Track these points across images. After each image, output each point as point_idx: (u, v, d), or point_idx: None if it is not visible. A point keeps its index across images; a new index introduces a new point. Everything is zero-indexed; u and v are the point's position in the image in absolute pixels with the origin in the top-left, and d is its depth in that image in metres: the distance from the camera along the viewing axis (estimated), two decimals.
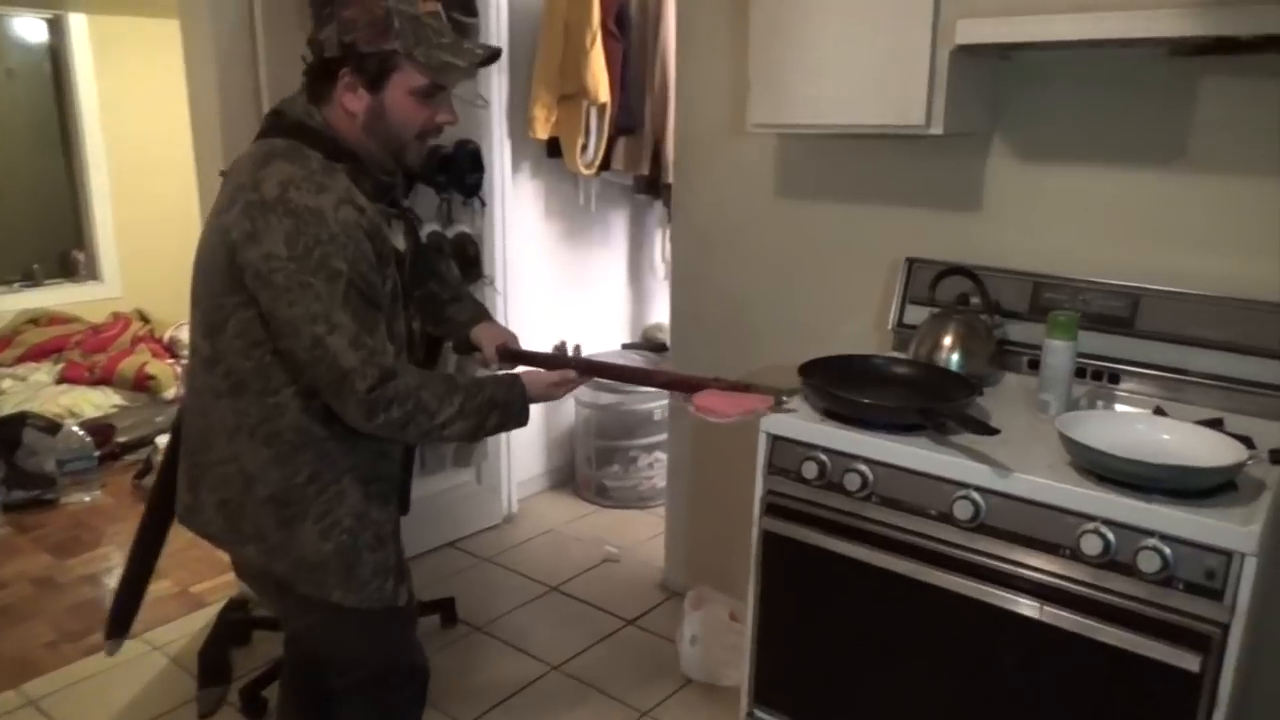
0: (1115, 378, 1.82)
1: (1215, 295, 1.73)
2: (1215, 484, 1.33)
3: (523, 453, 3.50)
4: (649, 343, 3.86)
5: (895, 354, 1.92)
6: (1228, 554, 1.26)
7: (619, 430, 3.50)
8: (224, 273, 1.37)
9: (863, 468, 1.56)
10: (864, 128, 1.91)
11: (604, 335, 3.80)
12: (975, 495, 1.45)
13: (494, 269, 3.07)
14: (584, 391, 3.55)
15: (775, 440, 1.66)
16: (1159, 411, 1.69)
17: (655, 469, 3.51)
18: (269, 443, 1.41)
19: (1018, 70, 1.96)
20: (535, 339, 3.72)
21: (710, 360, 2.60)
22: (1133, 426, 1.48)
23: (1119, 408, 1.74)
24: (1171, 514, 1.29)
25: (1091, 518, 1.36)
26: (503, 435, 3.30)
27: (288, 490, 1.43)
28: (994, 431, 1.42)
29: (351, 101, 1.42)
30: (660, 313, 3.90)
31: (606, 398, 3.49)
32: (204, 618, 2.67)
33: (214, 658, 2.42)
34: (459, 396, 1.43)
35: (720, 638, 2.40)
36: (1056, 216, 1.97)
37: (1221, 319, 1.72)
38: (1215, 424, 1.61)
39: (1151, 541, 1.31)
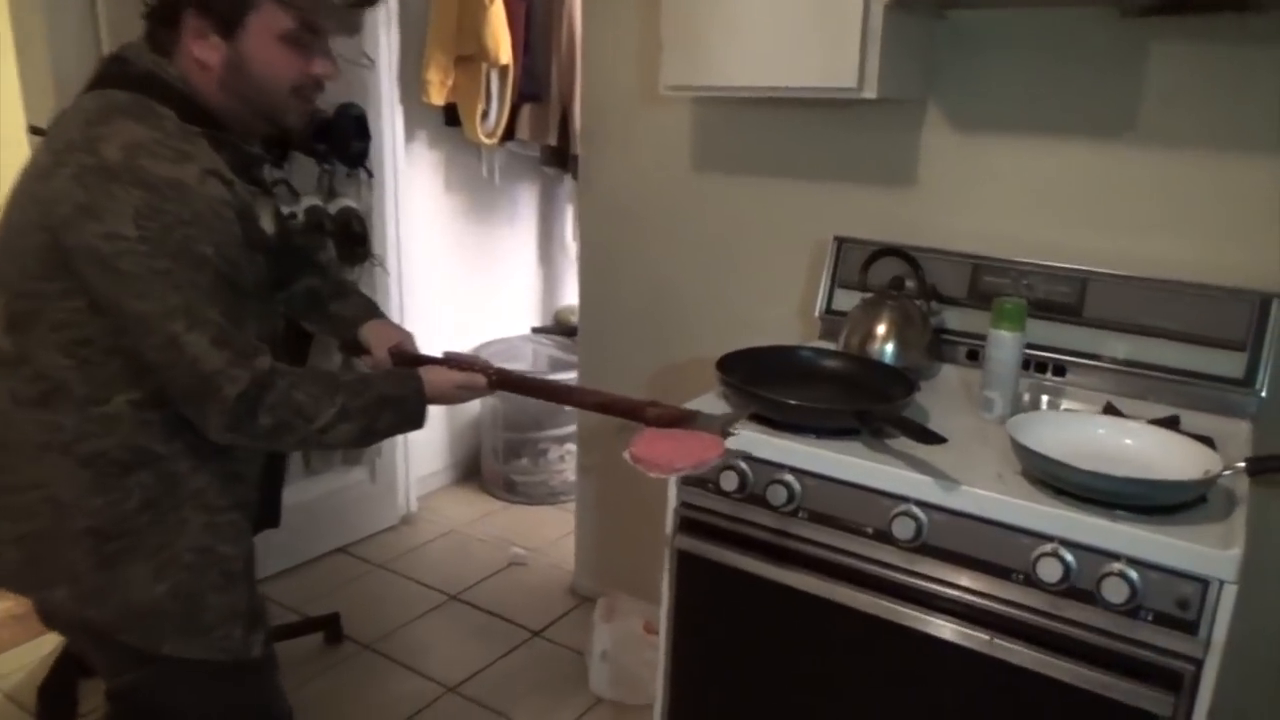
0: (1061, 370, 1.66)
1: (1169, 280, 1.58)
2: (1188, 499, 1.17)
3: (423, 446, 3.23)
4: (561, 326, 3.63)
5: (824, 345, 1.73)
6: (1204, 581, 1.10)
7: (527, 421, 3.26)
8: (41, 253, 1.10)
9: (789, 479, 1.36)
10: (789, 90, 1.70)
11: (512, 319, 3.55)
12: (917, 511, 1.27)
13: (385, 248, 2.79)
14: None
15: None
16: (1110, 409, 1.53)
17: (567, 462, 3.29)
18: (89, 463, 1.15)
19: (954, 32, 1.77)
20: (433, 326, 3.49)
21: (624, 350, 2.38)
22: (1091, 430, 1.31)
23: (1066, 405, 1.58)
24: (1140, 534, 1.12)
25: (1048, 537, 1.18)
26: None
27: (114, 521, 1.16)
28: (940, 440, 1.23)
29: (203, 50, 1.15)
30: (573, 294, 3.65)
31: None
32: (48, 644, 2.35)
33: (57, 693, 2.12)
34: (341, 395, 1.19)
35: (633, 652, 2.20)
36: (997, 193, 1.80)
37: (1175, 307, 1.57)
38: (1171, 423, 1.47)
39: (1117, 566, 1.14)
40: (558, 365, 3.40)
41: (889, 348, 1.66)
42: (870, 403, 1.42)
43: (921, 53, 1.78)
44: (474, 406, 3.42)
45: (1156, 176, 1.64)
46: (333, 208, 2.54)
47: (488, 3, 2.71)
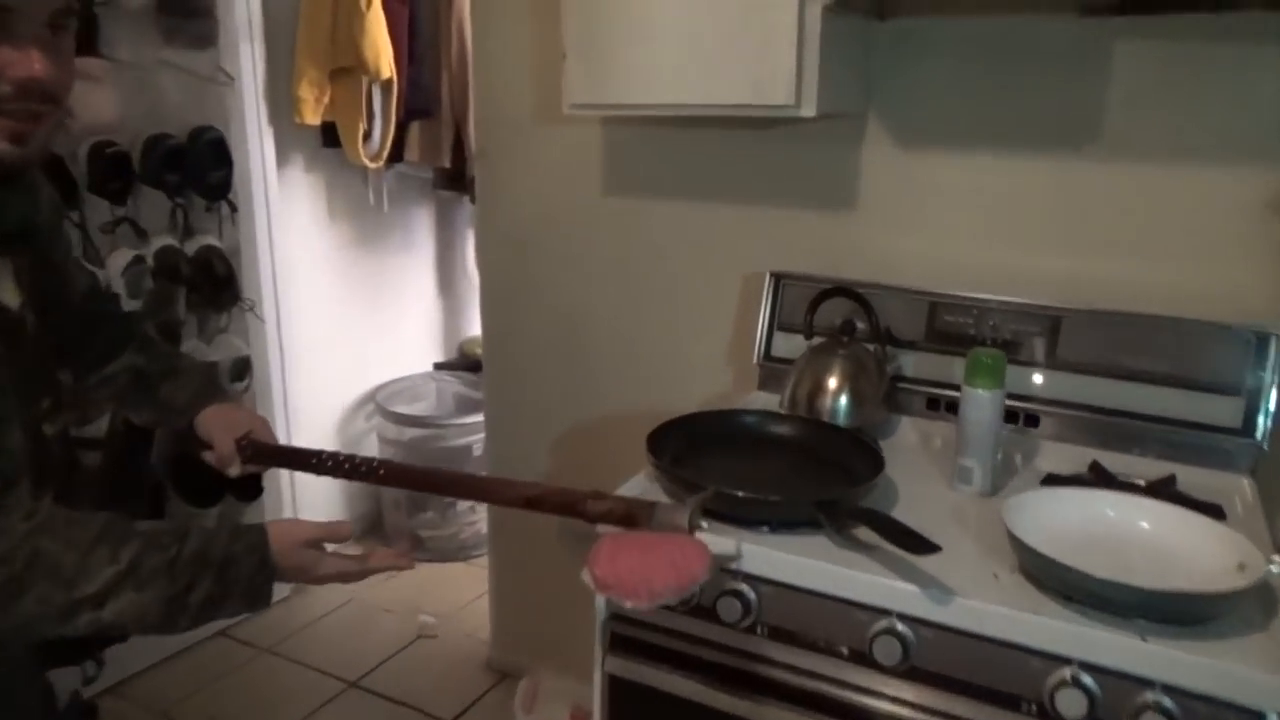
0: (1034, 420, 1.46)
1: (1150, 315, 1.39)
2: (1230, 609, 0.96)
3: (314, 498, 2.88)
4: (466, 360, 3.32)
5: (768, 407, 1.49)
6: (1258, 715, 0.89)
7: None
8: None
9: (743, 587, 1.11)
10: (714, 109, 1.46)
11: (412, 356, 3.23)
12: (901, 627, 1.03)
13: (258, 291, 2.45)
14: (385, 425, 2.98)
15: None
16: (1096, 470, 1.33)
17: (479, 512, 2.98)
18: None
19: (896, 36, 1.56)
20: (321, 372, 3.14)
21: (532, 394, 2.11)
22: (1098, 510, 1.10)
23: (1045, 465, 1.38)
24: (1177, 656, 0.91)
25: (1065, 660, 0.96)
26: (287, 475, 2.69)
27: None
28: (933, 548, 1.00)
29: None
30: (478, 325, 3.36)
31: (412, 432, 2.94)
32: None
33: None
34: (132, 549, 0.85)
35: None
36: (949, 215, 1.59)
37: (1160, 345, 1.38)
38: (1168, 484, 1.28)
39: (1152, 696, 0.92)
40: (464, 405, 3.11)
41: (842, 403, 1.43)
42: (833, 484, 1.19)
43: (859, 60, 1.56)
44: (372, 452, 3.09)
45: (1127, 192, 1.46)
46: (190, 248, 2.20)
47: (364, 8, 2.40)
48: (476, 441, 2.89)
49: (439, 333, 3.36)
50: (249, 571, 0.91)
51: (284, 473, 2.67)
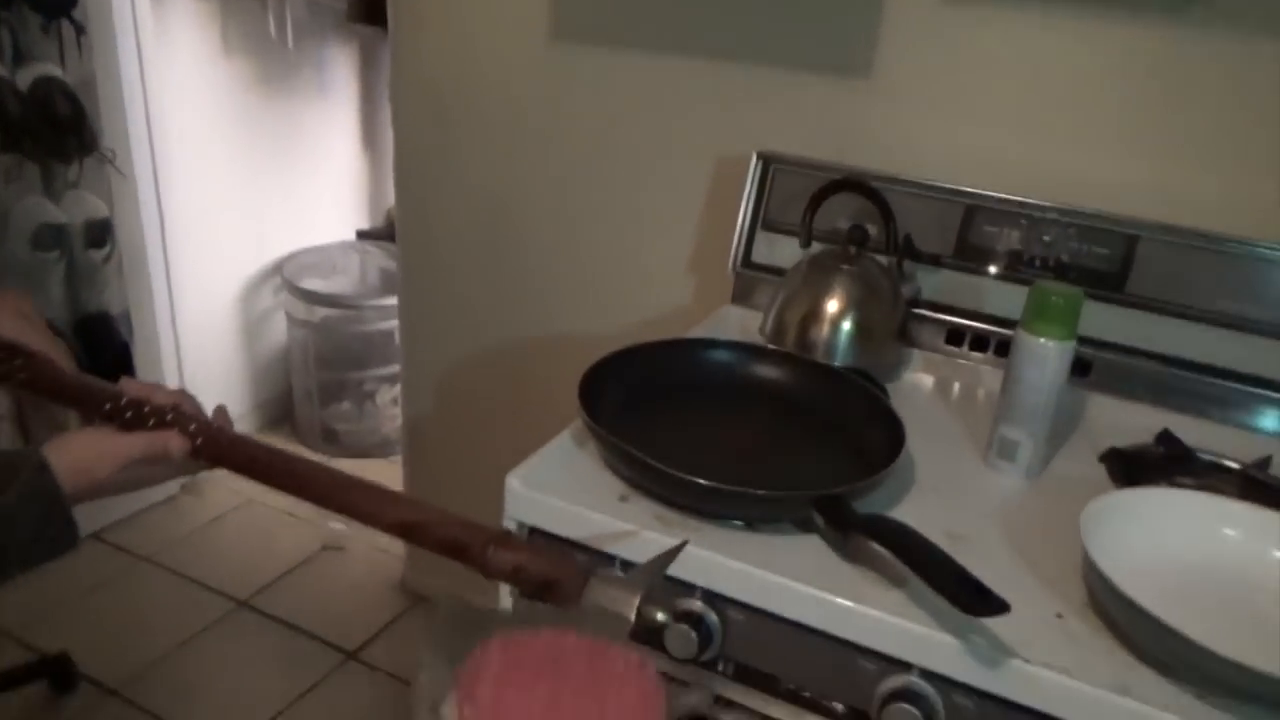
0: (1085, 366, 1.13)
1: (1255, 242, 1.05)
2: None
3: (216, 383, 2.52)
4: (394, 228, 2.90)
5: (745, 342, 1.14)
6: None
7: (346, 359, 2.58)
8: None
9: (702, 609, 0.79)
10: None
11: (330, 222, 2.80)
12: (925, 687, 0.72)
13: (122, 137, 2.00)
14: (293, 302, 2.59)
15: (530, 538, 0.85)
16: (1167, 438, 1.02)
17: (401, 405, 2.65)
18: None
19: None
20: (212, 239, 2.62)
21: (455, 293, 1.74)
22: (1215, 530, 0.79)
23: (1093, 427, 1.06)
24: None
25: None
26: (174, 354, 2.31)
27: None
28: (999, 608, 0.67)
29: None
30: None
31: (325, 312, 2.55)
32: None
33: None
34: None
35: None
36: (997, 94, 1.21)
37: (1259, 282, 1.05)
38: (1262, 467, 0.97)
39: None
40: (391, 282, 2.71)
41: (845, 336, 1.09)
42: (835, 461, 0.86)
43: None
44: (280, 335, 2.70)
45: (1240, 77, 1.09)
46: (22, 79, 1.73)
47: None
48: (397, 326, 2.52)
49: (363, 195, 2.93)
50: (32, 508, 0.67)
51: (169, 346, 2.29)
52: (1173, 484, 0.94)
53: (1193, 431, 1.04)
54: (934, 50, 1.23)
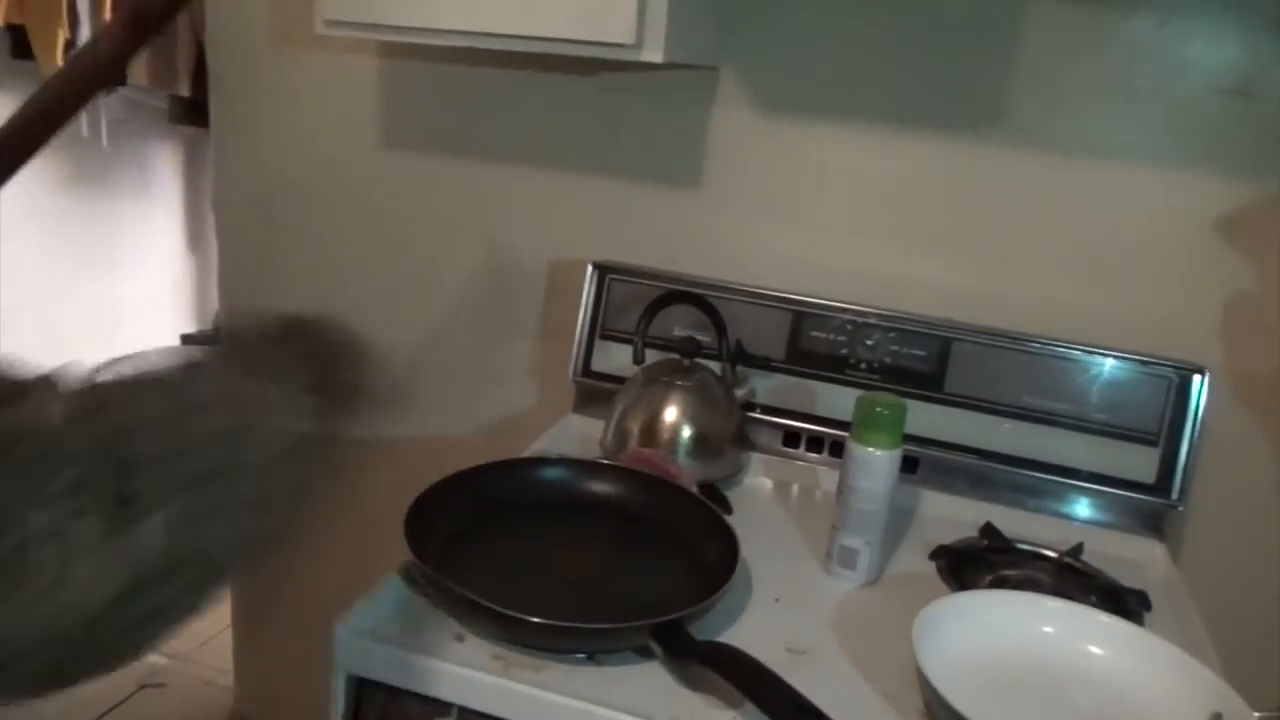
0: (911, 464, 1.17)
1: (1057, 342, 1.13)
2: None
3: None
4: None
5: (581, 458, 1.12)
6: None
7: None
8: None
9: None
10: (526, 42, 1.06)
11: (152, 327, 2.64)
12: None
13: None
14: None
15: (362, 688, 0.80)
16: (990, 532, 1.07)
17: None
18: None
19: None
20: (18, 345, 2.47)
21: None
22: (1034, 628, 0.82)
23: (922, 521, 1.10)
24: None
25: None
26: None
27: None
28: None
29: None
30: None
31: None
32: None
33: None
34: None
35: None
36: (819, 204, 1.27)
37: (1066, 379, 1.13)
38: (1075, 554, 1.03)
39: None
40: None
41: (682, 449, 1.09)
42: (673, 580, 0.85)
43: (715, 2, 1.20)
44: None
45: (1035, 190, 1.19)
46: None
47: None
48: None
49: (189, 297, 2.78)
50: None
51: None
52: (997, 577, 0.99)
53: (1014, 522, 1.10)
54: (758, 161, 1.28)
